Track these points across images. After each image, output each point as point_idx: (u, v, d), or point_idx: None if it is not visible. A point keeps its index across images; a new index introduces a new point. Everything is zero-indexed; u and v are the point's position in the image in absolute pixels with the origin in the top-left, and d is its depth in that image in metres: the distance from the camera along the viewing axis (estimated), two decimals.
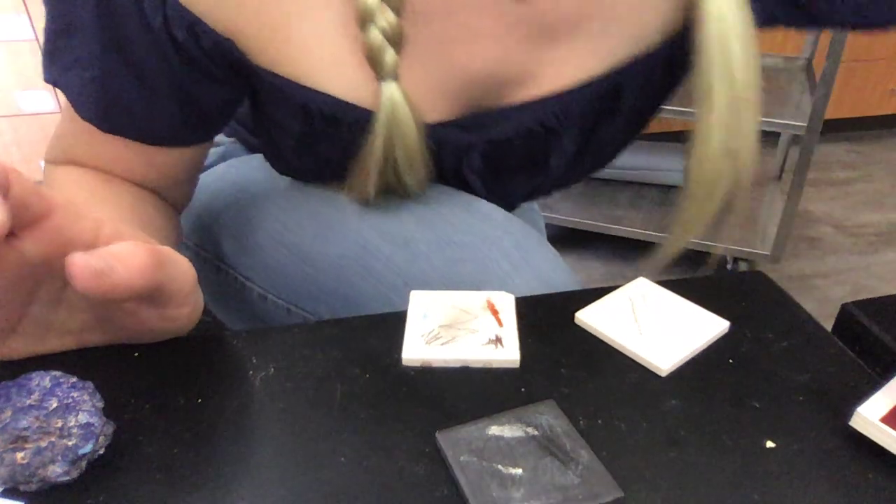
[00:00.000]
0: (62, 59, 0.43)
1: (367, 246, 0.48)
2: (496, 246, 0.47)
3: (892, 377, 0.34)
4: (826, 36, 1.56)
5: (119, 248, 0.30)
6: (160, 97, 0.44)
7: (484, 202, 0.51)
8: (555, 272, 0.48)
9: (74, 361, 0.38)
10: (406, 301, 0.41)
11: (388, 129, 0.43)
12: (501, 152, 0.50)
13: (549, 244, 0.51)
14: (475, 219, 0.48)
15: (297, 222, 0.51)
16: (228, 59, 0.43)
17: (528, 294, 0.43)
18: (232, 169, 0.62)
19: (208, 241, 0.58)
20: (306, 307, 0.51)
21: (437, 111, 0.47)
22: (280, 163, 0.55)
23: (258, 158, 0.62)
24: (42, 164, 0.52)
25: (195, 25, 0.41)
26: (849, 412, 0.34)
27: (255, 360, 0.38)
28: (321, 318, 0.50)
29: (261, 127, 0.51)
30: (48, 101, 2.01)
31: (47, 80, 0.45)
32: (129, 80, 0.43)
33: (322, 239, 0.49)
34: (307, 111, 0.45)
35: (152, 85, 0.44)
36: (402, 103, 0.43)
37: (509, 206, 0.56)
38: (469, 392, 0.36)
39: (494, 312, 0.41)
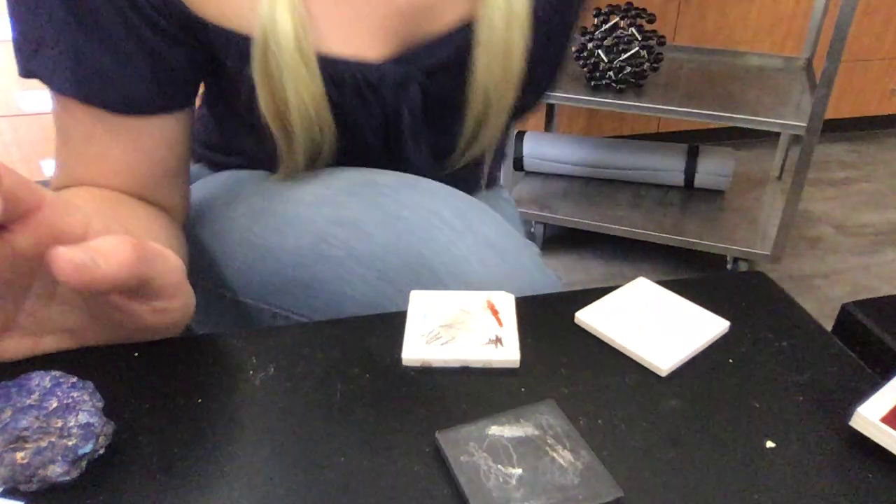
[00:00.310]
0: (30, 46, 0.45)
1: (319, 233, 0.49)
2: (438, 216, 0.49)
3: (892, 377, 0.34)
4: (826, 36, 1.56)
5: (102, 242, 0.30)
6: (128, 59, 0.46)
7: (428, 180, 0.53)
8: (499, 236, 0.50)
9: (74, 361, 0.38)
10: (361, 279, 0.41)
11: (265, 35, 0.45)
12: (438, 82, 0.53)
13: (497, 215, 0.53)
14: (419, 194, 0.50)
15: (259, 223, 0.53)
16: (177, 14, 0.46)
17: (475, 258, 0.44)
18: (200, 188, 0.64)
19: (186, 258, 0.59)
20: (273, 302, 0.52)
21: (372, 49, 0.50)
22: (237, 135, 0.57)
23: (224, 175, 0.65)
24: (42, 164, 0.53)
25: None
26: (849, 412, 0.34)
27: (255, 360, 0.38)
28: (287, 310, 0.52)
29: (215, 98, 0.54)
30: (48, 101, 2.01)
31: (22, 74, 0.47)
32: (96, 46, 0.45)
33: (281, 234, 0.51)
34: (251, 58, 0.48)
35: (118, 48, 0.46)
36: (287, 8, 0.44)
37: (448, 154, 0.58)
38: (469, 392, 0.36)
39: (494, 312, 0.41)
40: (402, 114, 0.53)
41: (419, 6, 0.49)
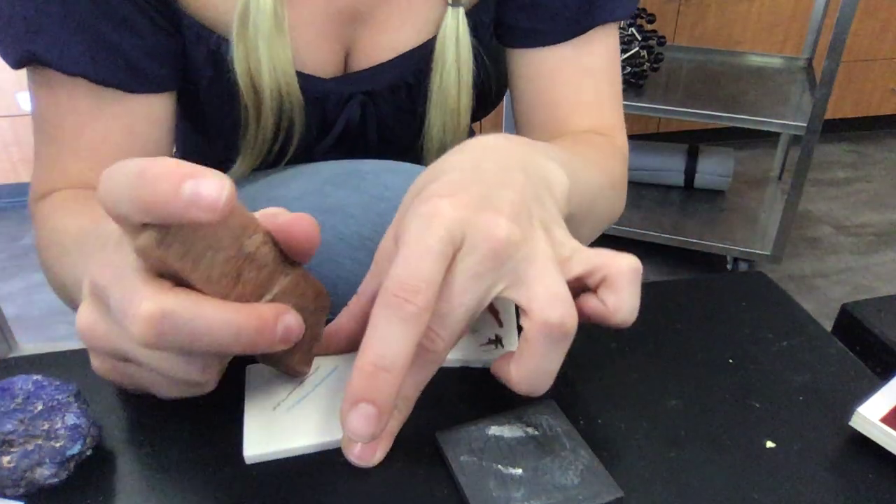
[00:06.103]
0: (30, 28, 0.45)
1: None
2: None
3: (892, 377, 0.34)
4: (826, 36, 1.56)
5: None
6: (137, 35, 0.47)
7: (409, 164, 0.55)
8: None
9: (57, 365, 0.37)
10: (351, 260, 0.44)
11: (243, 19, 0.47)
12: (376, 103, 0.57)
13: None
14: (401, 176, 0.52)
15: None
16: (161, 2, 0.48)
17: None
18: None
19: None
20: None
21: (321, 66, 0.54)
22: (199, 135, 0.60)
23: None
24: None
25: None
26: (849, 412, 0.34)
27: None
28: None
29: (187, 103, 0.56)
30: None
31: (16, 61, 0.46)
32: (104, 22, 0.46)
33: None
34: (217, 58, 0.50)
35: (126, 24, 0.47)
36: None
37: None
38: (469, 392, 0.36)
39: (494, 312, 0.41)
40: (349, 125, 0.57)
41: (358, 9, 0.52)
